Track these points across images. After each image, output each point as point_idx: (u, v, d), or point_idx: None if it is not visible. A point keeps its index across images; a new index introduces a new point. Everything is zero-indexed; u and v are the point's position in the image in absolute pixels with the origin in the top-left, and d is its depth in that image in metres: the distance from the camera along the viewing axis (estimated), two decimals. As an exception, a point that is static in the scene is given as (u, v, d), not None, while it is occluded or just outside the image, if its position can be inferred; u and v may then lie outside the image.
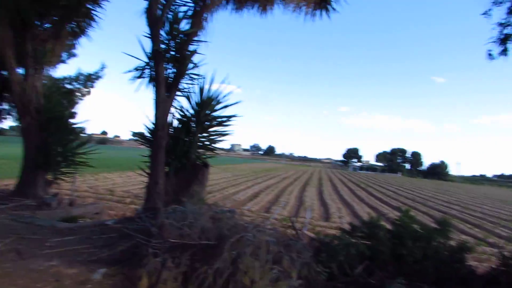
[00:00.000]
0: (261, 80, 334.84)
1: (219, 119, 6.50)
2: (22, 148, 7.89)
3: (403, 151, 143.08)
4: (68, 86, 12.76)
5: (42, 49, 8.03)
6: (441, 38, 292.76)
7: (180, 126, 6.34)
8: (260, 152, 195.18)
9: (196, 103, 6.27)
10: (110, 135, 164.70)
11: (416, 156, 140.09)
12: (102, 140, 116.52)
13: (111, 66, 15.19)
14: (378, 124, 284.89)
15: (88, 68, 19.12)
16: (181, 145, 6.09)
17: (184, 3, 6.33)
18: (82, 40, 8.74)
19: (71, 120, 8.88)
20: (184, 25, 6.23)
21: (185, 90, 6.28)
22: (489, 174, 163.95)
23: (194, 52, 6.15)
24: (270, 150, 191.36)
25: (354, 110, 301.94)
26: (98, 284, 3.21)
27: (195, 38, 6.23)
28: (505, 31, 5.56)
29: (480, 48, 5.75)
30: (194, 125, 6.26)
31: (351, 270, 3.86)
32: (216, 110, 6.43)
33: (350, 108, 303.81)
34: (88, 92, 13.34)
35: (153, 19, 5.62)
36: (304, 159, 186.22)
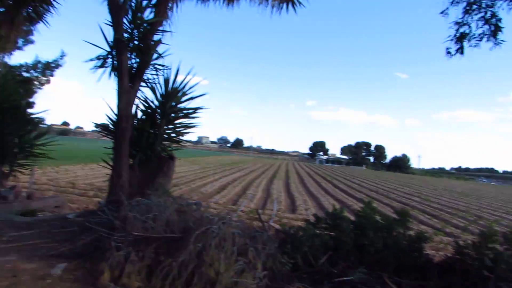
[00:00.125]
0: (228, 72, 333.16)
1: (185, 111, 6.40)
2: (-25, 139, 7.48)
3: (367, 145, 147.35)
4: (25, 74, 12.17)
5: (-4, 35, 7.61)
6: (405, 35, 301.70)
7: (144, 117, 6.20)
8: (228, 145, 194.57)
9: (161, 94, 6.14)
10: (72, 126, 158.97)
11: (380, 149, 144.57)
12: (63, 131, 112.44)
13: (73, 54, 14.52)
14: (344, 118, 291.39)
15: (47, 55, 18.21)
16: (146, 137, 5.96)
17: (148, -9, 6.15)
18: (40, 26, 8.30)
19: (29, 110, 8.50)
20: (148, 14, 6.07)
21: (150, 81, 6.13)
22: (448, 167, 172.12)
23: (158, 42, 6.01)
24: (238, 143, 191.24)
25: (321, 104, 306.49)
26: (58, 279, 3.11)
27: (160, 28, 6.08)
28: (461, 30, 5.80)
29: (440, 46, 5.97)
30: (159, 117, 6.15)
31: (315, 261, 3.94)
32: (182, 102, 6.32)
33: (317, 102, 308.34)
34: (47, 81, 12.76)
35: (115, 6, 5.43)
36: (272, 152, 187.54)
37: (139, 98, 6.04)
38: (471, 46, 5.79)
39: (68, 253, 3.66)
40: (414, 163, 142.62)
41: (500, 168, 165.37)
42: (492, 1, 5.52)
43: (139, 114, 6.17)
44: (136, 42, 5.85)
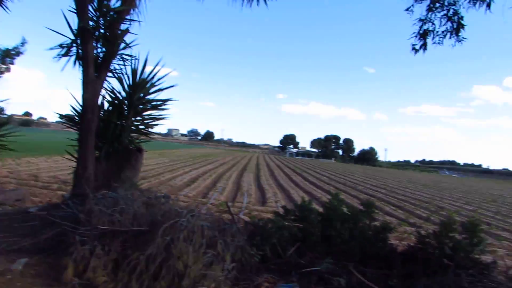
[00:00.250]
0: (199, 64, 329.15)
1: (154, 103, 6.28)
2: None
3: (336, 138, 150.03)
4: (-17, 62, 11.55)
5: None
6: (372, 30, 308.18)
7: (111, 108, 6.03)
8: (198, 138, 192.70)
9: (128, 85, 5.99)
10: (34, 116, 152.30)
11: (348, 142, 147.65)
12: (25, 121, 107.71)
13: (36, 42, 13.87)
14: (313, 111, 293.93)
15: (7, 43, 17.34)
16: (113, 129, 5.81)
17: (114, -22, 5.95)
18: (-1, 12, 7.88)
19: (-13, 100, 8.08)
20: (115, 2, 5.88)
21: (117, 71, 5.96)
22: (412, 160, 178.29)
23: (126, 31, 5.83)
24: (208, 136, 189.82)
25: (291, 97, 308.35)
26: (19, 274, 3.01)
27: (127, 17, 5.90)
28: (425, 27, 6.00)
29: (407, 41, 6.15)
30: (127, 108, 6.01)
31: (284, 252, 4.00)
32: (150, 93, 6.20)
33: (287, 95, 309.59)
34: (7, 69, 12.14)
35: (80, -8, 5.23)
36: (243, 145, 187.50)
37: (106, 88, 5.86)
38: (434, 43, 6.00)
39: (29, 248, 3.55)
40: (381, 156, 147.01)
41: (461, 160, 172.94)
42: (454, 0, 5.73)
43: (106, 105, 6.00)
44: (102, 31, 5.66)
